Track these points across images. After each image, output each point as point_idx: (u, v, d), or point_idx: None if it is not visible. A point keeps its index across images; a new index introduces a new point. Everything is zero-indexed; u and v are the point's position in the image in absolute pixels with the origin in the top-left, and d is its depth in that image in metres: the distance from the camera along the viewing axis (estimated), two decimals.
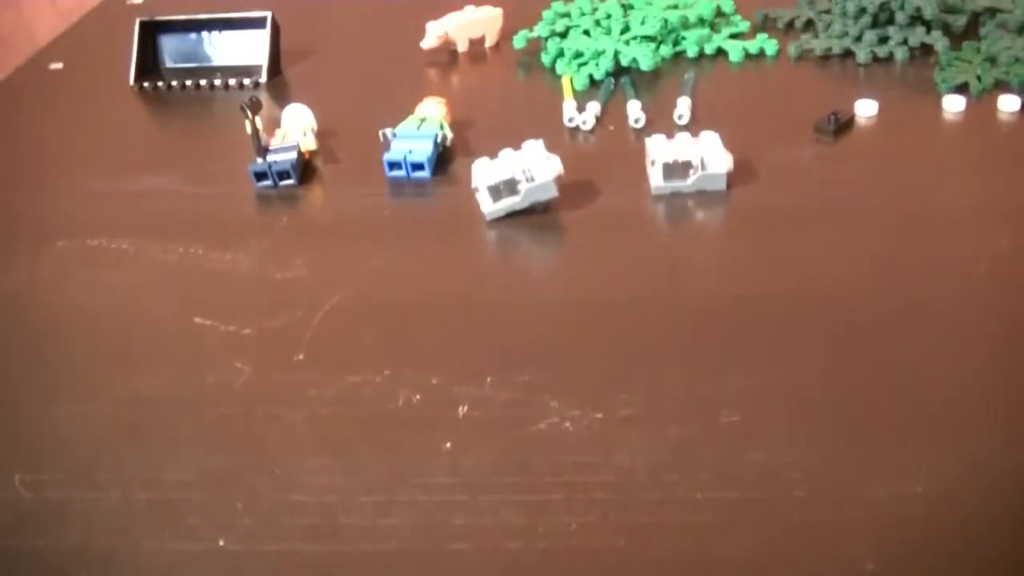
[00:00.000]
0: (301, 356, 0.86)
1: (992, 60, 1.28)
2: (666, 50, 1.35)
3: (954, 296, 0.88)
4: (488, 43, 1.44)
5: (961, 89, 1.22)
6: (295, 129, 1.16)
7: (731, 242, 0.99)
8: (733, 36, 1.41)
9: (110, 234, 1.06)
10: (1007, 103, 1.18)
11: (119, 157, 1.22)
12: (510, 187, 1.00)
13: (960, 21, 1.37)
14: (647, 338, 0.85)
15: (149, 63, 1.43)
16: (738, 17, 1.46)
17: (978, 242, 0.95)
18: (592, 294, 0.91)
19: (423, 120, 1.14)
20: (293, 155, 1.11)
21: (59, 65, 1.50)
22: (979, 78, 1.23)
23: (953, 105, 1.19)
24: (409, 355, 0.85)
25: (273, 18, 1.39)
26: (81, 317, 0.95)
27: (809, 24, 1.44)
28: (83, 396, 0.85)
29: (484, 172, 1.01)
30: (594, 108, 1.20)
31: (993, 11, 1.40)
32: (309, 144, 1.15)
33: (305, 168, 1.14)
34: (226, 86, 1.38)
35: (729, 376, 0.80)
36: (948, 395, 0.78)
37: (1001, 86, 1.23)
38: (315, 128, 1.18)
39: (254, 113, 1.11)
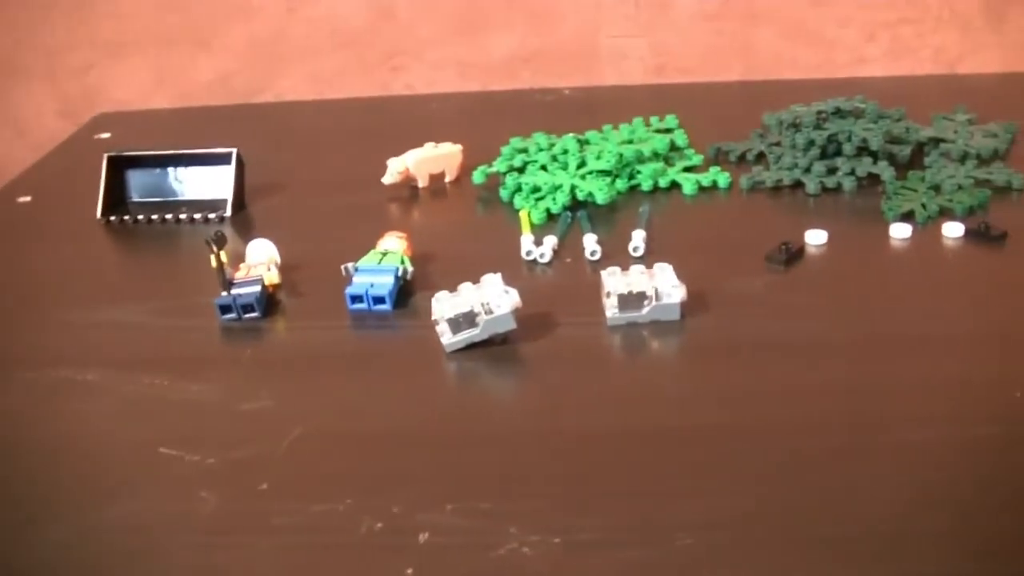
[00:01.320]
0: (265, 486, 0.87)
1: (936, 188, 1.32)
2: (621, 184, 1.39)
3: (906, 420, 0.90)
4: (448, 178, 1.47)
5: (907, 217, 1.26)
6: (259, 263, 1.19)
7: (685, 371, 1.01)
8: (687, 169, 1.44)
9: (77, 365, 1.07)
10: (951, 230, 1.22)
11: (86, 289, 1.24)
12: (469, 320, 1.02)
13: (905, 151, 1.40)
14: (604, 465, 0.87)
15: (116, 197, 1.45)
16: (692, 151, 1.50)
17: (928, 366, 0.97)
18: (550, 423, 0.93)
19: (384, 254, 1.17)
20: (257, 289, 1.13)
21: (27, 198, 1.52)
22: (924, 206, 1.27)
23: (900, 233, 1.22)
24: (371, 484, 0.86)
25: (238, 154, 1.42)
26: (48, 447, 0.96)
27: (760, 157, 1.48)
28: (49, 524, 0.85)
29: (444, 305, 1.04)
30: (551, 241, 1.22)
31: (937, 141, 1.44)
32: (273, 278, 1.17)
33: (269, 301, 1.16)
34: (192, 220, 1.40)
35: (685, 501, 0.82)
36: (900, 517, 0.79)
37: (946, 213, 1.27)
38: (279, 262, 1.20)
39: (219, 247, 1.13)
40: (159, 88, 1.95)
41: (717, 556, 0.77)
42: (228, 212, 1.40)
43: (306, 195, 1.47)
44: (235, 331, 1.12)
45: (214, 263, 1.13)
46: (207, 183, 1.45)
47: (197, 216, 1.40)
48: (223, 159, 1.43)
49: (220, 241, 1.14)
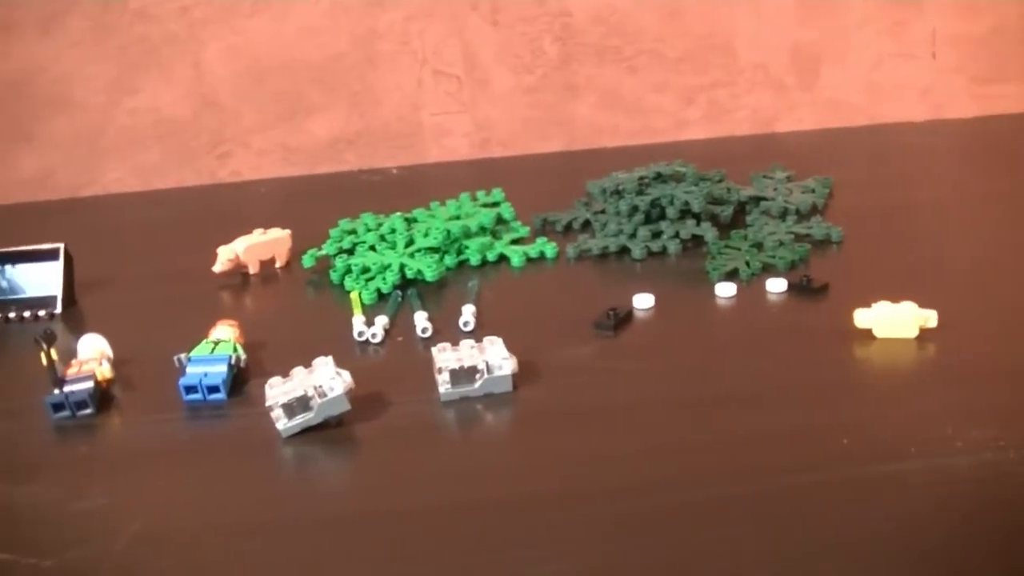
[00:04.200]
0: None
1: (759, 246, 1.35)
2: (450, 260, 1.40)
3: (735, 476, 0.92)
4: (278, 264, 1.47)
5: (732, 275, 1.29)
6: (91, 358, 1.17)
7: (518, 442, 1.03)
8: (514, 242, 1.46)
9: None
10: (775, 285, 1.25)
11: None
12: (303, 404, 1.02)
13: (727, 211, 1.44)
14: (441, 543, 0.87)
15: None
16: (518, 223, 1.52)
17: (759, 421, 1.00)
18: (387, 502, 0.93)
19: (216, 344, 1.16)
20: (90, 385, 1.12)
21: None
22: (748, 263, 1.30)
23: (725, 291, 1.25)
24: None
25: (66, 249, 1.41)
26: None
27: (586, 225, 1.51)
28: None
29: (277, 391, 1.04)
30: (382, 321, 1.23)
31: (757, 200, 1.48)
32: (105, 372, 1.16)
33: (103, 397, 1.14)
34: (22, 319, 1.38)
35: (523, 570, 0.82)
36: (734, 573, 0.81)
37: (768, 269, 1.30)
38: (111, 356, 1.19)
39: (49, 345, 1.12)
40: None
41: None
42: (58, 308, 1.39)
43: (136, 288, 1.46)
44: (68, 429, 1.10)
45: (44, 361, 1.12)
46: (35, 280, 1.43)
47: (27, 314, 1.39)
48: (51, 255, 1.41)
49: (49, 338, 1.13)
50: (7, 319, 1.39)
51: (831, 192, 1.57)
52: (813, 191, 1.55)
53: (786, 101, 1.94)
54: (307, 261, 1.44)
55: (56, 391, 1.12)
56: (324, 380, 1.03)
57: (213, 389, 1.12)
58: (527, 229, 1.51)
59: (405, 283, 1.36)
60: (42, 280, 1.43)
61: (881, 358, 1.11)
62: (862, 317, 1.13)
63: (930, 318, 1.12)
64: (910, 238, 1.41)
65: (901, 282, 1.22)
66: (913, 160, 1.76)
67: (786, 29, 1.91)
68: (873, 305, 1.13)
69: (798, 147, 1.85)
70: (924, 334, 1.12)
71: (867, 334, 1.13)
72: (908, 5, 1.90)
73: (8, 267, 1.44)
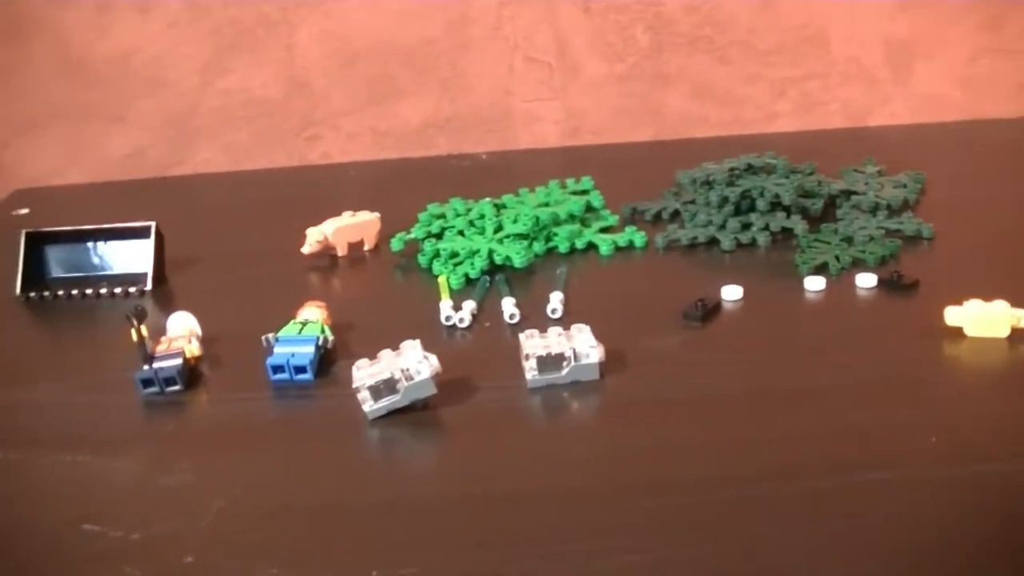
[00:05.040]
0: (190, 559, 0.86)
1: (849, 240, 1.34)
2: (538, 247, 1.40)
3: (821, 470, 0.91)
4: (367, 247, 1.48)
5: (821, 269, 1.28)
6: (180, 336, 1.19)
7: (604, 431, 1.02)
8: (603, 230, 1.46)
9: None
10: (864, 280, 1.24)
11: (6, 368, 1.23)
12: (390, 387, 1.03)
13: (817, 205, 1.43)
14: (524, 530, 0.87)
15: (35, 273, 1.44)
16: (607, 212, 1.52)
17: (842, 418, 0.99)
18: (472, 486, 0.93)
19: (304, 324, 1.17)
20: (179, 361, 1.13)
21: None
22: (837, 258, 1.29)
23: (814, 285, 1.25)
24: (296, 554, 0.86)
25: (157, 228, 1.42)
26: None
27: (675, 215, 1.50)
28: None
29: (364, 373, 1.04)
30: (470, 306, 1.23)
31: (848, 194, 1.47)
32: (194, 350, 1.17)
33: (191, 374, 1.15)
34: (112, 295, 1.40)
35: (600, 561, 0.82)
36: (810, 566, 0.80)
37: (858, 264, 1.29)
38: (200, 334, 1.20)
39: (139, 321, 1.13)
40: (72, 164, 1.94)
41: None
42: (148, 286, 1.40)
43: (225, 267, 1.48)
44: (157, 405, 1.11)
45: (135, 337, 1.13)
46: (127, 257, 1.45)
47: (117, 290, 1.40)
48: (142, 233, 1.43)
49: (140, 315, 1.14)
50: (98, 295, 1.40)
51: (923, 188, 1.56)
52: (905, 186, 1.53)
53: (879, 95, 1.93)
54: (395, 244, 1.44)
55: (145, 367, 1.13)
56: (411, 363, 1.03)
57: (300, 369, 1.13)
58: (616, 218, 1.50)
59: (493, 269, 1.36)
60: (133, 257, 1.44)
61: (971, 357, 1.09)
62: (953, 315, 1.12)
63: (1023, 317, 1.11)
64: (1003, 236, 1.39)
65: (993, 280, 1.20)
66: (1007, 157, 1.74)
67: (880, 22, 1.89)
68: (964, 303, 1.12)
69: (890, 141, 1.84)
70: (1016, 334, 1.11)
71: (958, 332, 1.12)
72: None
73: (100, 244, 1.46)
